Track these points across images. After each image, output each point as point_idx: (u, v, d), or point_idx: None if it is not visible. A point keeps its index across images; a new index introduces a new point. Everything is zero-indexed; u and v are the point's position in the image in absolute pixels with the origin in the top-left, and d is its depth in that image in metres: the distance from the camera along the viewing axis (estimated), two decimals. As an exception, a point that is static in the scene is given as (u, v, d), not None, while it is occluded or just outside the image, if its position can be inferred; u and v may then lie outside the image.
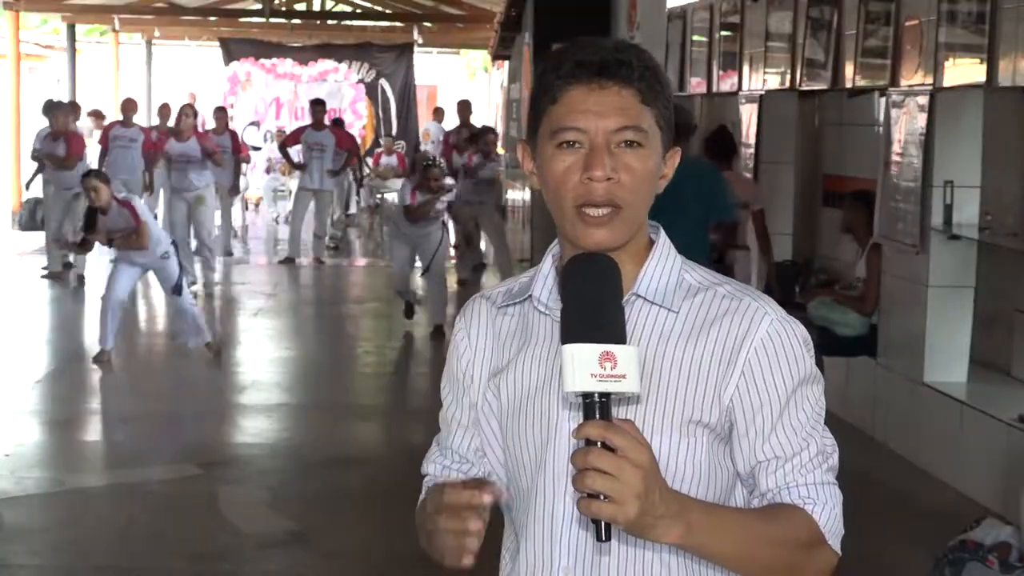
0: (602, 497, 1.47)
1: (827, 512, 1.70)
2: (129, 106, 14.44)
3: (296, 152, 15.30)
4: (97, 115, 18.25)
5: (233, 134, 15.30)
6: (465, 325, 1.89)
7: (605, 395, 1.52)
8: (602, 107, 1.68)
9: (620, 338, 1.56)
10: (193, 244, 12.55)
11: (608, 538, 1.51)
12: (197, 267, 12.44)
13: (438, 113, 21.06)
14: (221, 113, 15.41)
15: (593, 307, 1.58)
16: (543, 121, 1.73)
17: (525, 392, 1.78)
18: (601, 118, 1.68)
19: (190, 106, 13.39)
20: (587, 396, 1.53)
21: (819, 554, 1.70)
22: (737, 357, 1.71)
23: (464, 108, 14.99)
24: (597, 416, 1.52)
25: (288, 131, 20.53)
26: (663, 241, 1.80)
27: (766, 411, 1.71)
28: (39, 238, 14.17)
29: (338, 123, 16.52)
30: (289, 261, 14.11)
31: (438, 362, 1.93)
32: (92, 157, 15.37)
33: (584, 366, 1.52)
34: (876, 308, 7.11)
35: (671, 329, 1.73)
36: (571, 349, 1.53)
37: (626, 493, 1.47)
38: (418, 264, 10.35)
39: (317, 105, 15.17)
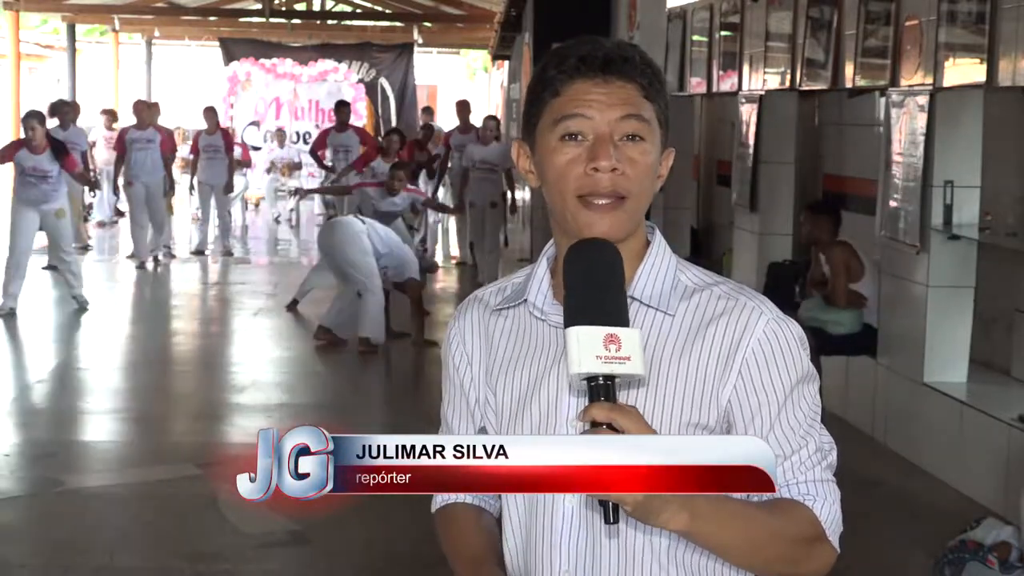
0: None
1: (827, 508, 1.71)
2: (142, 108, 14.46)
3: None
4: (111, 115, 18.22)
5: (225, 133, 15.28)
6: (459, 330, 1.89)
7: (610, 378, 1.52)
8: (607, 98, 1.68)
9: (624, 321, 1.56)
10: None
11: (616, 520, 1.51)
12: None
13: (427, 112, 20.97)
14: (210, 113, 15.38)
15: (596, 290, 1.58)
16: (543, 114, 1.72)
17: (523, 396, 1.78)
18: (606, 107, 1.68)
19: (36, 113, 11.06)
20: (592, 379, 1.52)
21: (820, 549, 1.71)
22: (734, 358, 1.71)
23: (463, 108, 14.98)
24: (601, 397, 1.52)
25: (283, 132, 20.59)
26: (658, 241, 1.79)
27: (764, 411, 1.71)
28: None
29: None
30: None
31: (439, 361, 1.94)
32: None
33: (589, 348, 1.51)
34: (851, 303, 7.13)
35: (668, 332, 1.73)
36: (576, 331, 1.53)
37: None
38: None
39: (341, 107, 15.21)
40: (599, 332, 1.52)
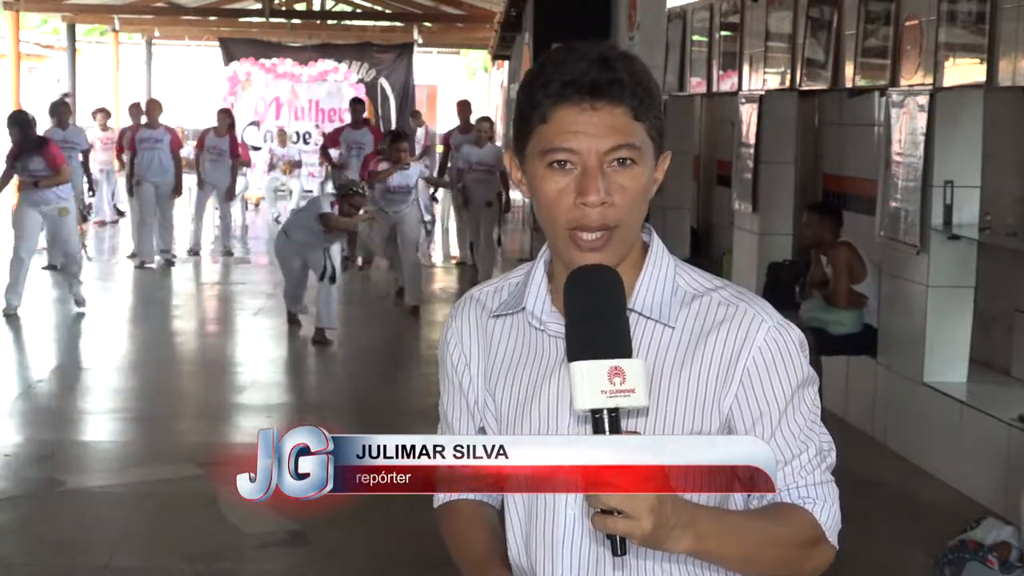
0: (616, 512, 1.46)
1: (827, 510, 1.72)
2: (153, 107, 14.45)
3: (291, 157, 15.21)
4: (104, 113, 18.22)
5: (232, 137, 15.23)
6: (456, 329, 1.88)
7: (614, 410, 1.52)
8: (594, 128, 1.65)
9: (627, 351, 1.55)
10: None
11: (624, 552, 1.51)
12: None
13: (416, 116, 20.89)
14: (224, 115, 15.35)
15: (598, 321, 1.56)
16: (532, 138, 1.69)
17: (521, 402, 1.77)
18: (594, 139, 1.65)
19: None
20: (596, 412, 1.52)
21: (819, 551, 1.72)
22: (735, 366, 1.70)
23: (463, 108, 14.97)
24: (607, 431, 1.51)
25: (284, 132, 20.59)
26: (656, 246, 1.78)
27: (765, 419, 1.71)
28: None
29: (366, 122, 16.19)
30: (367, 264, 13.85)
31: (437, 362, 1.95)
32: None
33: (594, 383, 1.51)
34: (853, 303, 7.13)
35: (668, 343, 1.72)
36: (580, 367, 1.52)
37: (640, 508, 1.46)
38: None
39: (356, 104, 15.10)
40: (603, 366, 1.51)
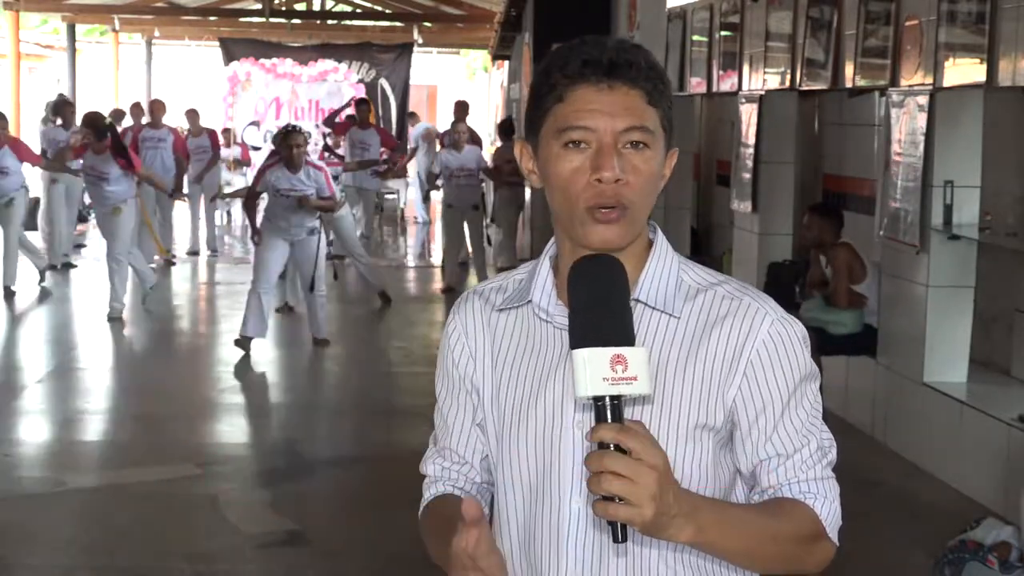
0: (617, 499, 1.47)
1: (827, 506, 1.73)
2: (157, 107, 14.46)
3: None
4: (117, 114, 18.25)
5: (212, 134, 15.22)
6: (460, 323, 1.87)
7: (616, 397, 1.52)
8: (611, 107, 1.67)
9: (630, 339, 1.55)
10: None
11: (624, 539, 1.51)
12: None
13: (412, 117, 20.83)
14: (192, 115, 15.33)
15: (602, 309, 1.57)
16: (547, 119, 1.72)
17: (526, 397, 1.78)
18: (611, 118, 1.67)
19: None
20: (598, 399, 1.52)
21: (819, 546, 1.73)
22: (739, 359, 1.71)
23: (460, 109, 14.95)
24: (609, 419, 1.52)
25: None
26: (660, 241, 1.79)
27: (768, 411, 1.72)
28: (38, 238, 14.17)
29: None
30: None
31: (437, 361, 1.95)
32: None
33: (596, 370, 1.51)
34: (853, 303, 7.13)
35: (673, 334, 1.73)
36: (583, 354, 1.52)
37: (642, 495, 1.47)
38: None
39: (361, 104, 15.03)
40: (606, 353, 1.52)
